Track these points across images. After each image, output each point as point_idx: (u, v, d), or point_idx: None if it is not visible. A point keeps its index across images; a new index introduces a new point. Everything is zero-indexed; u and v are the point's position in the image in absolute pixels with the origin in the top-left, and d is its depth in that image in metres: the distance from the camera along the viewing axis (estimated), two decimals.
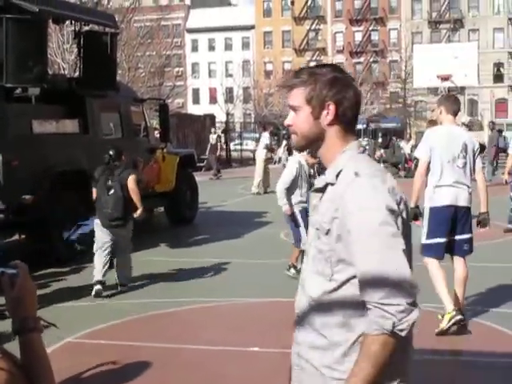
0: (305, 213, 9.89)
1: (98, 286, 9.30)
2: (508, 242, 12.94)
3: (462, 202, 7.09)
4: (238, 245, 13.43)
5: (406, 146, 30.20)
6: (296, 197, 9.92)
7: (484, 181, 7.31)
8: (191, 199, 16.57)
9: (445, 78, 29.98)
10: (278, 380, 5.92)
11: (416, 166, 8.38)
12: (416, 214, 7.08)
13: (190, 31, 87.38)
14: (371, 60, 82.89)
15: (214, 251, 12.73)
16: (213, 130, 33.15)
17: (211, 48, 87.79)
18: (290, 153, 15.62)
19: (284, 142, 17.59)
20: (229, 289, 9.65)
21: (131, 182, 9.77)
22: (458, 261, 7.18)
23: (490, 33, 79.83)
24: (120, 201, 9.61)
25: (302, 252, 9.85)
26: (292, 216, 9.90)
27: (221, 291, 9.46)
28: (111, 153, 9.87)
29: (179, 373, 6.30)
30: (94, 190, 9.94)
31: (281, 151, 17.14)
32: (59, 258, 11.44)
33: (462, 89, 30.42)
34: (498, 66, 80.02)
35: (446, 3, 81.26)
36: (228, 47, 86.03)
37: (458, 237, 7.14)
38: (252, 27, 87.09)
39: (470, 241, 7.22)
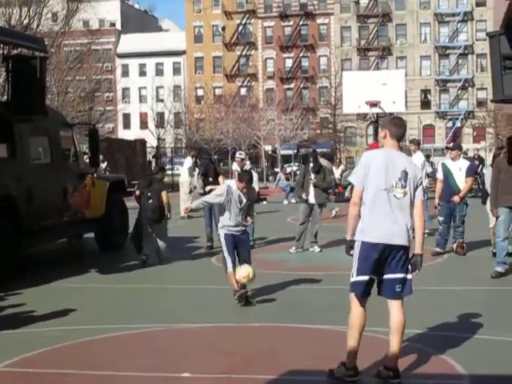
0: (231, 238, 9.98)
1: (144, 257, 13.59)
2: (436, 265, 13.17)
3: (397, 239, 6.28)
4: (169, 270, 13.37)
5: (336, 171, 30.60)
6: (225, 220, 9.97)
7: (422, 216, 6.45)
8: (121, 225, 16.43)
9: (373, 104, 30.39)
10: None
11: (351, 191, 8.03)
12: (351, 246, 6.45)
13: (121, 56, 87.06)
14: (301, 86, 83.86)
15: (145, 277, 12.65)
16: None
17: (142, 73, 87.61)
18: (204, 180, 15.79)
19: (197, 170, 17.58)
20: (161, 314, 9.58)
21: (164, 195, 13.90)
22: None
23: (418, 60, 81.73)
24: (156, 209, 13.74)
25: (233, 275, 9.91)
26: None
27: (153, 317, 9.39)
28: (155, 169, 14.33)
29: None
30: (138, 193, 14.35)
31: (195, 179, 17.13)
32: None
33: (391, 115, 30.95)
34: (426, 92, 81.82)
35: (375, 31, 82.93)
36: (159, 72, 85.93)
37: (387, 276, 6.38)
38: (183, 52, 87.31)
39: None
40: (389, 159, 6.36)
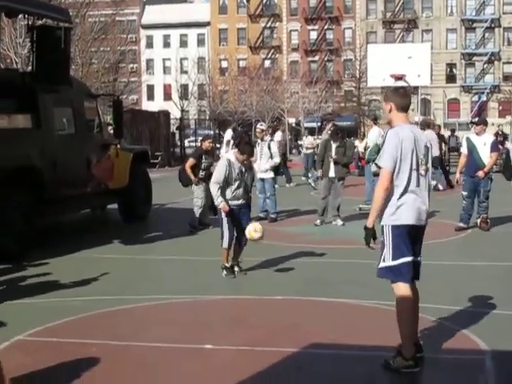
0: (232, 212, 9.93)
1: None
2: (459, 240, 13.11)
3: (424, 220, 6.11)
4: (190, 242, 13.39)
5: (359, 145, 30.41)
6: (226, 196, 9.91)
7: None
8: (145, 196, 16.48)
9: (398, 78, 30.16)
10: (231, 377, 5.94)
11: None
12: (373, 236, 6.10)
13: (145, 27, 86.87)
14: (326, 59, 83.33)
15: (167, 248, 12.68)
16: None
17: (166, 44, 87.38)
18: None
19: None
20: (183, 286, 9.61)
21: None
22: None
23: (443, 34, 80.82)
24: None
25: (228, 251, 9.92)
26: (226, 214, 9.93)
27: (173, 289, 9.42)
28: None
29: (131, 370, 6.26)
30: None
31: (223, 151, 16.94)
32: (8, 255, 11.26)
33: (416, 88, 30.80)
34: (451, 66, 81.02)
35: (401, 4, 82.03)
36: (183, 44, 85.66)
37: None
38: (207, 24, 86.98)
39: None
40: (415, 135, 6.04)
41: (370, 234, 6.08)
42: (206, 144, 14.62)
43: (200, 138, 18.45)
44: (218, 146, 38.07)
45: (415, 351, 6.02)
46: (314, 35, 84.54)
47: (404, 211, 5.95)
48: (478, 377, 5.99)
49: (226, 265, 9.97)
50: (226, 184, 9.86)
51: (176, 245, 13.06)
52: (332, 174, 15.02)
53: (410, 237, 5.99)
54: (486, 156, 13.75)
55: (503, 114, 73.25)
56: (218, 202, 9.82)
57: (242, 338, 7.06)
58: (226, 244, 9.91)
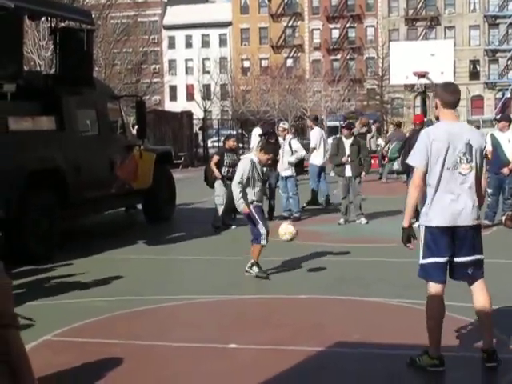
0: (259, 210, 9.92)
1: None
2: (484, 237, 13.01)
3: (464, 220, 5.86)
4: (213, 242, 13.41)
5: (382, 143, 30.32)
6: (250, 196, 9.88)
7: (485, 188, 6.16)
8: (169, 196, 16.53)
9: (421, 75, 30.01)
10: (255, 376, 5.94)
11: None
12: (409, 236, 5.99)
13: (167, 28, 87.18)
14: (348, 57, 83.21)
15: (191, 249, 12.71)
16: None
17: (188, 45, 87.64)
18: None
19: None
20: (206, 286, 9.62)
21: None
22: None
23: (466, 30, 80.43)
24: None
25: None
26: (249, 215, 9.88)
27: (196, 289, 9.43)
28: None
29: (154, 370, 6.28)
30: None
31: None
32: (33, 257, 11.34)
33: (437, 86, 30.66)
34: (474, 63, 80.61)
35: (423, 1, 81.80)
36: (205, 44, 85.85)
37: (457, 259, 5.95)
38: (229, 24, 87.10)
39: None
40: (450, 133, 5.82)
41: (407, 233, 5.98)
42: (230, 143, 14.84)
43: (223, 138, 18.50)
44: (240, 145, 38.06)
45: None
46: (335, 34, 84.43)
47: (435, 212, 5.84)
48: (506, 376, 5.94)
49: (257, 262, 9.90)
50: (247, 185, 9.85)
51: (199, 245, 13.09)
52: (348, 173, 14.96)
53: (445, 238, 5.84)
54: (511, 152, 13.65)
55: None
56: (239, 203, 9.79)
57: (266, 338, 7.05)
58: (265, 241, 9.76)
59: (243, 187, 9.78)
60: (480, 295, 6.04)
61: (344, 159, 14.85)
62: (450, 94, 5.97)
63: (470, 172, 5.84)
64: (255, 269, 9.86)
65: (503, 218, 14.09)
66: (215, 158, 14.71)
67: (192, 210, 18.33)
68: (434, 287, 5.92)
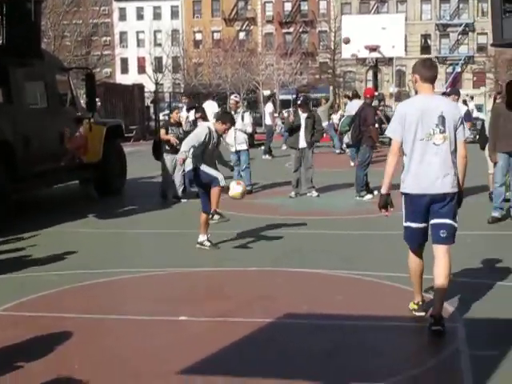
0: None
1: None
2: None
3: (440, 188, 6.18)
4: (165, 215, 13.41)
5: (334, 117, 30.46)
6: (199, 161, 9.86)
7: (465, 157, 6.37)
8: (119, 170, 16.43)
9: (373, 49, 30.22)
10: (205, 347, 5.98)
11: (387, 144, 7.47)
12: (386, 202, 6.40)
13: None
14: (301, 30, 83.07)
15: (142, 222, 12.69)
16: None
17: (139, 17, 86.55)
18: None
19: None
20: (156, 259, 9.63)
21: None
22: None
23: (418, 4, 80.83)
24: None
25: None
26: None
27: (148, 262, 9.44)
28: None
29: (106, 343, 6.29)
30: None
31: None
32: None
33: (390, 60, 30.78)
34: (426, 37, 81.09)
35: None
36: (157, 16, 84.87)
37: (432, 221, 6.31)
38: None
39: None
40: (424, 106, 6.19)
41: (384, 200, 6.40)
42: (174, 116, 15.28)
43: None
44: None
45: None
46: (288, 7, 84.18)
47: (409, 180, 6.23)
48: (450, 345, 6.08)
49: (218, 210, 9.87)
50: (199, 151, 9.82)
51: (150, 218, 13.06)
52: (302, 144, 15.03)
53: (420, 204, 6.22)
54: None
55: (477, 84, 73.58)
56: (182, 154, 9.66)
57: (216, 310, 7.09)
58: (223, 181, 9.77)
59: (194, 149, 9.71)
60: (442, 261, 6.28)
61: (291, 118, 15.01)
62: (428, 70, 6.32)
63: (444, 142, 6.15)
64: (215, 217, 9.84)
65: None
66: (163, 131, 15.06)
67: (143, 184, 18.25)
68: (411, 252, 6.50)
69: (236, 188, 9.94)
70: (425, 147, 6.15)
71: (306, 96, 17.68)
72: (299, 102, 15.82)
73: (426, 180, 6.16)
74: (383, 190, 6.39)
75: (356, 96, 22.28)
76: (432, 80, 6.32)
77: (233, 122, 10.38)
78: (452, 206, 6.25)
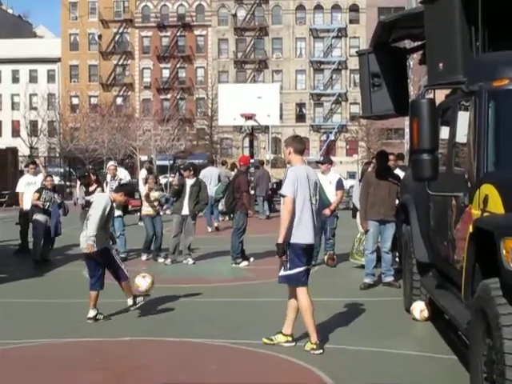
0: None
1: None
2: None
3: (314, 238, 8.06)
4: (36, 283, 13.05)
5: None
6: (102, 236, 9.71)
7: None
8: None
9: (248, 117, 30.76)
10: None
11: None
12: (283, 250, 7.77)
13: None
14: (178, 97, 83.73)
15: (18, 290, 12.28)
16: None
17: (15, 79, 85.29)
18: (86, 191, 15.30)
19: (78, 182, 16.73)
20: (27, 329, 9.32)
21: None
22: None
23: (293, 74, 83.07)
24: None
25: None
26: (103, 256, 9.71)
27: (19, 332, 9.13)
28: None
29: None
30: None
31: (77, 191, 16.35)
32: None
33: (267, 127, 31.44)
34: (300, 106, 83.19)
35: (252, 44, 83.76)
36: (33, 79, 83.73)
37: None
38: (58, 60, 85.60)
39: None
40: (308, 173, 7.88)
41: (281, 248, 7.77)
42: (47, 181, 15.95)
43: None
44: (68, 183, 37.36)
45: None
46: (166, 73, 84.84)
47: (300, 232, 7.76)
48: None
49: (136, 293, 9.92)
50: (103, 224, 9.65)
51: (24, 286, 12.66)
52: (186, 211, 15.00)
53: (305, 251, 7.89)
54: (332, 194, 14.12)
55: (350, 152, 75.73)
56: (91, 241, 9.41)
57: (90, 382, 6.93)
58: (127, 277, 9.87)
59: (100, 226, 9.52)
60: (295, 300, 8.04)
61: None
62: (299, 144, 8.07)
63: (316, 202, 7.99)
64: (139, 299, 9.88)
65: (325, 257, 14.55)
66: (35, 195, 15.42)
67: (12, 250, 17.64)
68: (304, 289, 7.98)
69: (144, 283, 9.85)
70: (309, 205, 7.87)
71: (192, 163, 17.74)
72: (182, 166, 15.88)
73: (312, 232, 7.98)
74: (280, 240, 7.71)
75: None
76: (302, 152, 8.07)
77: (132, 195, 10.50)
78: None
